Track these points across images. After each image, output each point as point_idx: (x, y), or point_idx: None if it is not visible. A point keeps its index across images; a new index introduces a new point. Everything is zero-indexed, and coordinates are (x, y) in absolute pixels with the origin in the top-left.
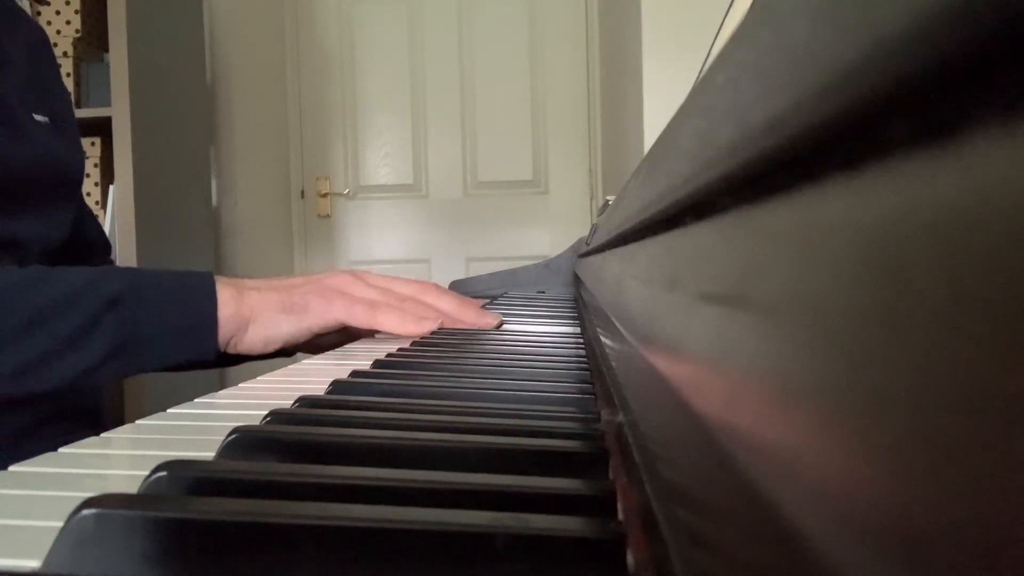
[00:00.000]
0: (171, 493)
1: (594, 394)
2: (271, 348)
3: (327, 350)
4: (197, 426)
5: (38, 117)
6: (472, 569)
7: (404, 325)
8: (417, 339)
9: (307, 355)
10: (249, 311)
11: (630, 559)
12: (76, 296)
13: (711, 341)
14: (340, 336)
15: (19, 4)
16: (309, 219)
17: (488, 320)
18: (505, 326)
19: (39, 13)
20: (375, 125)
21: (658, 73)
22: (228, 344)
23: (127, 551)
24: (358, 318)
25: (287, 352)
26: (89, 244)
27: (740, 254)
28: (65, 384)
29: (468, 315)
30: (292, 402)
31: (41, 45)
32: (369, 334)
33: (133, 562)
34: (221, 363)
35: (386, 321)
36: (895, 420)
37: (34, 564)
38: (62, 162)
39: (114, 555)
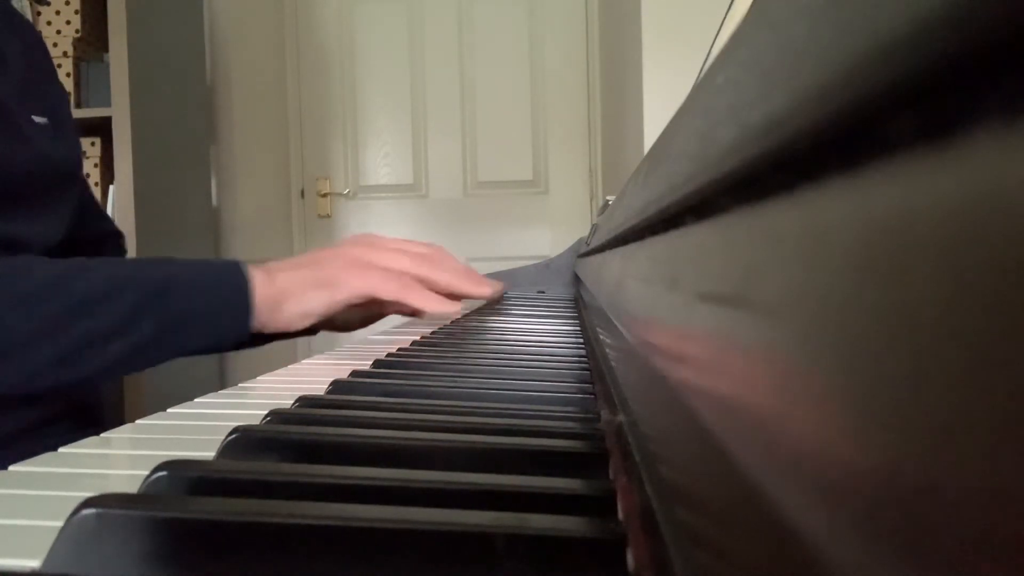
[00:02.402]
0: (171, 493)
1: (594, 394)
2: (307, 323)
3: (352, 329)
4: (197, 426)
5: (37, 119)
6: (472, 569)
7: (428, 302)
8: (418, 339)
9: (311, 354)
10: (279, 291)
11: (630, 559)
12: (119, 285)
13: (711, 341)
14: (364, 312)
15: (14, 4)
16: (309, 219)
17: (492, 288)
18: (506, 326)
19: (39, 13)
20: (375, 125)
21: (658, 73)
22: (264, 324)
23: (127, 551)
24: (389, 292)
25: (314, 330)
26: (100, 236)
27: (740, 254)
28: (108, 370)
29: (472, 282)
30: (292, 402)
31: (36, 45)
32: (397, 305)
33: (133, 562)
34: (257, 343)
35: (415, 298)
36: (895, 420)
37: (34, 564)
38: (61, 163)
39: (114, 555)
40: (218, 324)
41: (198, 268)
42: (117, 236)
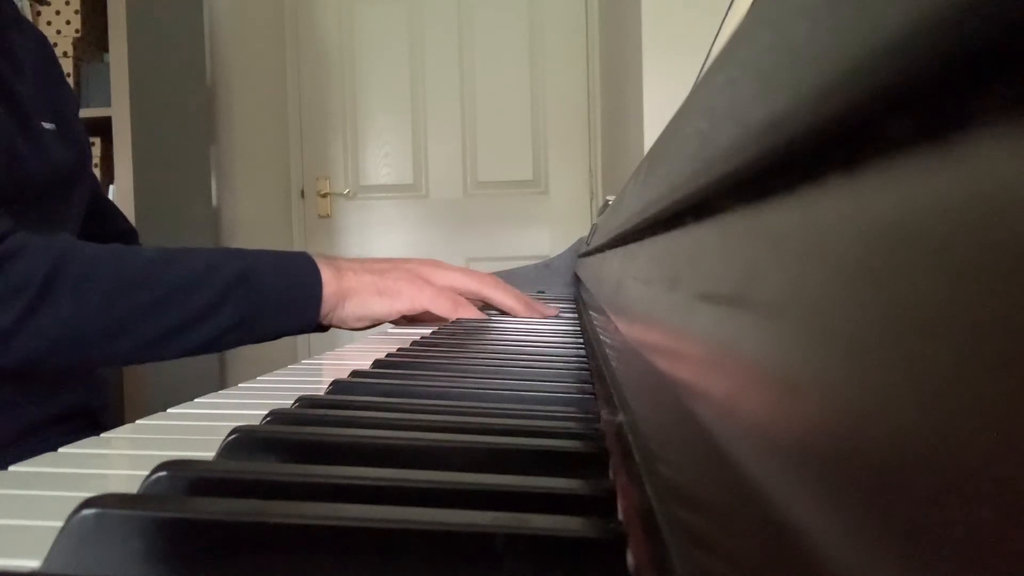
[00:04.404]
0: (171, 493)
1: (594, 394)
2: (361, 324)
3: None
4: (197, 426)
5: (46, 125)
6: (472, 569)
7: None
8: (418, 339)
9: (311, 354)
10: (346, 290)
11: (630, 559)
12: (205, 274)
13: (711, 341)
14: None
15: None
16: (309, 219)
17: (544, 311)
18: (506, 326)
19: (39, 13)
20: (375, 125)
21: (658, 73)
22: (326, 317)
23: (127, 551)
24: (443, 310)
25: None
26: (116, 234)
27: (740, 254)
28: (189, 353)
29: (531, 309)
30: (292, 402)
31: (46, 52)
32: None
33: (133, 562)
34: (315, 331)
35: (466, 315)
36: (895, 420)
37: (34, 564)
38: (69, 168)
39: (114, 555)
40: (291, 313)
41: (273, 258)
42: (132, 234)
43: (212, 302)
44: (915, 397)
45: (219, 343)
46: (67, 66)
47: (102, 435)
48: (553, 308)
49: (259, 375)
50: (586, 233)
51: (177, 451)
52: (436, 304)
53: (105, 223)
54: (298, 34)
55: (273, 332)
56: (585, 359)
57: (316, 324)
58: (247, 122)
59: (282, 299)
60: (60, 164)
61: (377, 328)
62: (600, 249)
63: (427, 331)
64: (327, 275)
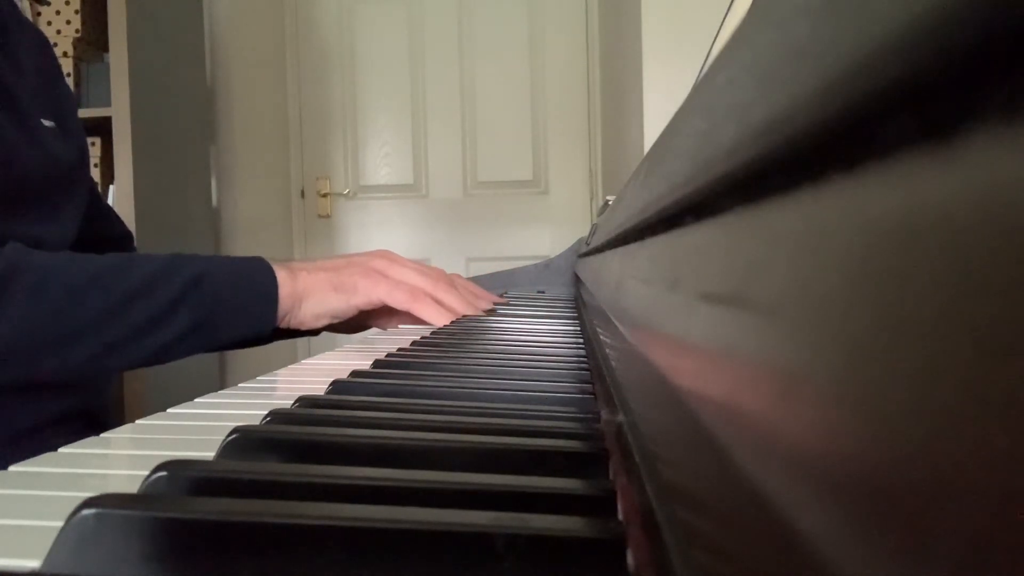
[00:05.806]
0: (171, 493)
1: (594, 394)
2: (320, 323)
3: (362, 330)
4: (197, 426)
5: (45, 122)
6: (472, 569)
7: (434, 315)
8: (418, 339)
9: (311, 354)
10: (303, 289)
11: (630, 559)
12: (159, 279)
13: (711, 341)
14: (373, 318)
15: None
16: (309, 219)
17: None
18: (506, 326)
19: (39, 13)
20: (375, 125)
21: (658, 73)
22: (284, 319)
23: (127, 551)
24: (399, 302)
25: (317, 331)
26: (111, 238)
27: (740, 254)
28: (145, 360)
29: (471, 308)
30: (292, 402)
31: (46, 50)
32: (401, 318)
33: (133, 562)
34: (272, 339)
35: (423, 310)
36: (895, 420)
37: (34, 564)
38: (69, 165)
39: (114, 555)
40: (247, 316)
41: (227, 263)
42: (128, 238)
43: (165, 307)
44: (915, 397)
45: (176, 349)
46: (67, 66)
47: (102, 435)
48: (497, 297)
49: (259, 375)
50: (586, 233)
51: (177, 451)
52: (393, 296)
53: (101, 226)
54: (298, 34)
55: (232, 337)
56: (585, 359)
57: (275, 328)
58: (247, 122)
59: (238, 302)
60: (60, 161)
61: (377, 328)
62: (600, 249)
63: (427, 331)
64: (282, 276)
